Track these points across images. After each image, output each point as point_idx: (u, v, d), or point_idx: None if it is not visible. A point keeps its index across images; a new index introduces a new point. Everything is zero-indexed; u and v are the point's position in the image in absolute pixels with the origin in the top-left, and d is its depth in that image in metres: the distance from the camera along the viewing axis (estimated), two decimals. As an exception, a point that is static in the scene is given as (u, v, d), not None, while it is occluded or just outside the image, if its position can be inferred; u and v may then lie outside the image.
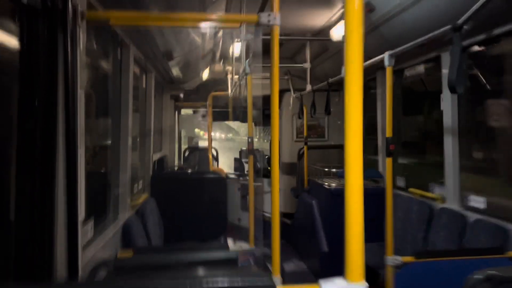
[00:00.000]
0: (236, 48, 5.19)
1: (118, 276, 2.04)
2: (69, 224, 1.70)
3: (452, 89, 2.06)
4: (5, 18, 1.65)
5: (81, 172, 1.75)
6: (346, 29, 1.02)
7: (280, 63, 1.92)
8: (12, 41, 1.69)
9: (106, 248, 2.71)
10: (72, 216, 1.71)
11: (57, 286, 1.26)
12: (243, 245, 2.75)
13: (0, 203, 1.71)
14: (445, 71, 3.62)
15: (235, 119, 6.87)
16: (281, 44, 5.82)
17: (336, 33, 4.65)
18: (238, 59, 4.53)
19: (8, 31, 1.68)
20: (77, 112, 1.72)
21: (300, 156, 6.43)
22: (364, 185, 1.02)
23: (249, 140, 3.24)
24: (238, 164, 8.24)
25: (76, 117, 1.71)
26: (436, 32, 2.41)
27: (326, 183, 5.21)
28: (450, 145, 3.62)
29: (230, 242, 5.67)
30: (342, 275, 1.00)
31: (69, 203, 1.70)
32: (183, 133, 9.20)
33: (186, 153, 8.35)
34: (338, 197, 4.78)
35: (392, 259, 2.77)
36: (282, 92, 6.78)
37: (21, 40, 1.67)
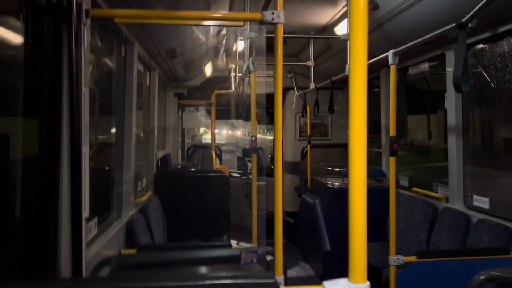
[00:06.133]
0: (240, 46, 5.19)
1: (122, 273, 2.05)
2: (73, 221, 1.71)
3: (457, 87, 2.04)
4: (10, 15, 1.66)
5: (85, 170, 1.75)
6: (350, 27, 1.02)
7: (283, 61, 1.91)
8: (16, 38, 1.70)
9: (110, 245, 2.72)
10: (76, 213, 1.71)
11: (61, 282, 1.26)
12: (246, 244, 2.76)
13: (6, 200, 1.72)
14: (449, 69, 3.60)
15: (238, 117, 6.88)
16: (284, 41, 5.80)
17: (340, 31, 4.63)
18: (242, 56, 4.53)
19: (13, 28, 1.68)
20: (82, 109, 1.72)
21: (304, 155, 6.43)
22: (368, 184, 1.01)
23: (253, 138, 3.23)
24: (241, 163, 8.24)
25: (80, 114, 1.71)
26: (440, 30, 2.39)
27: (329, 182, 5.20)
28: (454, 144, 3.60)
29: (233, 240, 5.67)
30: (345, 275, 1.00)
31: (74, 201, 1.71)
32: (186, 131, 9.22)
33: (190, 151, 8.37)
34: (341, 196, 4.78)
35: (395, 259, 2.76)
36: (285, 90, 6.77)
37: (25, 37, 1.68)
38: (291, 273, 5.19)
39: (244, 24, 3.04)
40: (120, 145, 3.36)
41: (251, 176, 4.07)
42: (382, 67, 4.86)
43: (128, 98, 3.40)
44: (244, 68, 3.45)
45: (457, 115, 3.58)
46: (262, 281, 0.96)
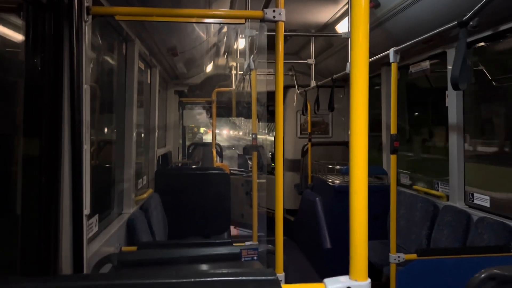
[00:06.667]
0: (241, 44, 5.18)
1: (122, 270, 2.05)
2: (74, 218, 1.72)
3: (455, 86, 2.04)
4: (11, 13, 1.66)
5: (86, 167, 1.76)
6: (351, 25, 1.01)
7: (284, 59, 1.91)
8: (18, 36, 1.70)
9: (111, 242, 2.73)
10: (77, 211, 1.72)
11: (62, 279, 1.27)
12: (247, 241, 2.76)
13: (7, 198, 1.72)
14: (450, 68, 3.59)
15: (239, 115, 6.88)
16: (285, 39, 5.80)
17: (341, 29, 4.63)
18: (243, 54, 4.53)
19: (14, 26, 1.68)
20: (82, 107, 1.73)
21: (304, 152, 6.43)
22: (368, 182, 1.01)
23: (253, 136, 3.23)
24: (242, 160, 8.25)
25: (81, 112, 1.72)
26: (441, 28, 2.39)
27: (330, 180, 5.20)
28: (454, 142, 3.60)
29: (233, 237, 5.68)
30: (346, 273, 1.00)
31: (74, 198, 1.71)
32: (187, 129, 9.23)
33: (190, 149, 8.38)
34: (341, 194, 4.78)
35: (395, 256, 2.77)
36: (286, 88, 6.77)
37: (26, 35, 1.68)
38: (292, 270, 5.20)
39: (245, 22, 3.04)
40: (121, 143, 3.37)
41: (251, 174, 4.07)
42: (383, 65, 4.85)
43: (129, 96, 3.41)
44: (245, 66, 3.45)
45: (458, 113, 3.58)
46: (263, 278, 0.96)
